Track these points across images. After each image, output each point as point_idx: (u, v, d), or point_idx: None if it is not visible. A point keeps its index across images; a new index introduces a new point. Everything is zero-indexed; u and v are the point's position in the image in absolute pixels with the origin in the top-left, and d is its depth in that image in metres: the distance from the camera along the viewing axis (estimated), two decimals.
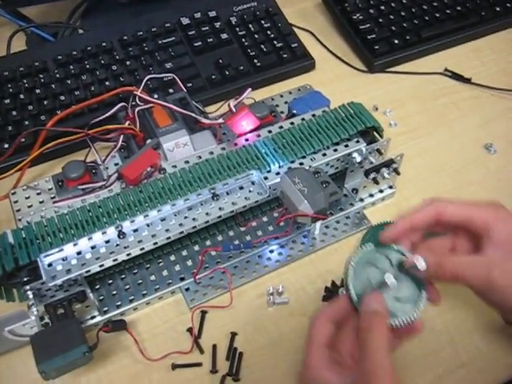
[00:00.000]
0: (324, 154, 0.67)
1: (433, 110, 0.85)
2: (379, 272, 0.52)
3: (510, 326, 0.58)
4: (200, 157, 0.67)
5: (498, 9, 0.95)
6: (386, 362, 0.45)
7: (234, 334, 0.62)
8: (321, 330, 0.51)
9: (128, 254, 0.59)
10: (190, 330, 0.62)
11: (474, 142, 0.80)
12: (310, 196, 0.60)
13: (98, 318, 0.62)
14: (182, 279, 0.65)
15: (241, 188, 0.63)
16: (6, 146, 0.76)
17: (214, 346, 0.61)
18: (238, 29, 0.89)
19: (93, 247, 0.59)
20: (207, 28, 0.88)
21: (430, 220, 0.53)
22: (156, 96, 0.80)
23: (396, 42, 0.89)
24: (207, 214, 0.61)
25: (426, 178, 0.76)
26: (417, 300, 0.51)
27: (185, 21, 0.89)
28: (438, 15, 0.92)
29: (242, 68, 0.84)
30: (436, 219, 0.53)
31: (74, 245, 0.59)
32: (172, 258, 0.67)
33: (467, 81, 0.88)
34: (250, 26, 0.89)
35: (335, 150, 0.67)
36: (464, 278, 0.50)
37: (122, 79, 0.82)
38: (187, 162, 0.67)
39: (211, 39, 0.87)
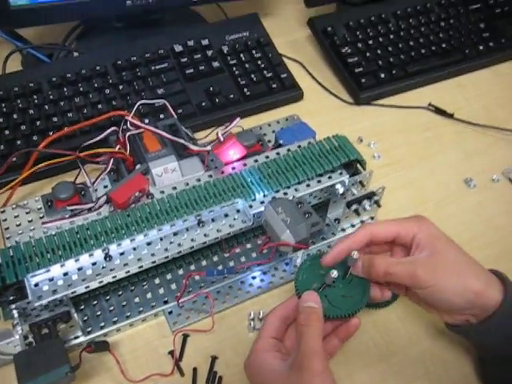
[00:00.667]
0: (308, 185, 0.69)
1: (416, 143, 0.87)
2: (327, 275, 0.59)
3: (451, 328, 0.60)
4: (187, 183, 0.69)
5: (481, 47, 0.98)
6: (318, 345, 0.53)
7: (214, 358, 0.63)
8: (270, 323, 0.58)
9: (114, 277, 0.61)
10: (171, 352, 0.64)
11: (455, 176, 0.83)
12: (293, 226, 0.61)
13: (82, 339, 0.64)
14: (166, 302, 0.67)
15: (226, 215, 0.65)
16: None
17: (195, 369, 0.63)
18: (229, 57, 0.91)
19: (79, 269, 0.60)
20: (199, 56, 0.90)
21: (365, 240, 0.59)
22: (147, 121, 0.82)
23: (382, 75, 0.92)
24: (192, 239, 0.63)
25: (406, 211, 0.77)
26: (360, 299, 0.58)
27: (178, 48, 0.91)
28: (423, 51, 0.96)
29: (231, 96, 0.87)
30: (370, 239, 0.59)
31: (61, 266, 0.60)
32: (156, 280, 0.69)
33: (450, 116, 0.91)
34: (242, 55, 0.92)
35: (319, 181, 0.69)
36: (394, 275, 0.56)
37: (114, 103, 0.84)
38: (175, 188, 0.68)
39: (203, 67, 0.89)
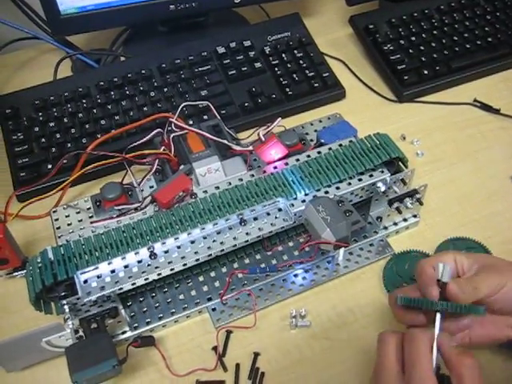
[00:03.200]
0: (349, 184, 0.69)
1: (460, 140, 0.86)
2: None
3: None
4: (230, 183, 0.70)
5: None
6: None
7: (256, 354, 0.65)
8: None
9: (158, 274, 0.63)
10: (215, 348, 0.65)
11: (501, 172, 0.82)
12: (333, 224, 0.62)
13: (129, 334, 0.66)
14: (210, 299, 0.68)
15: (268, 214, 0.66)
16: (50, 166, 0.81)
17: (237, 365, 0.64)
18: (271, 58, 0.92)
19: (126, 266, 0.63)
20: (242, 57, 0.92)
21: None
22: (191, 122, 0.84)
23: (426, 72, 0.91)
24: (235, 238, 0.64)
25: (450, 208, 0.78)
26: None
27: (220, 50, 0.93)
28: (468, 46, 0.94)
29: (274, 96, 0.88)
30: None
31: (109, 263, 0.62)
32: (200, 278, 0.70)
33: (496, 111, 0.89)
34: (283, 55, 0.92)
35: (360, 180, 0.69)
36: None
37: (159, 105, 0.86)
38: (217, 187, 0.70)
39: (245, 68, 0.91)
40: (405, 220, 0.75)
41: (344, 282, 0.71)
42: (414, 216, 0.75)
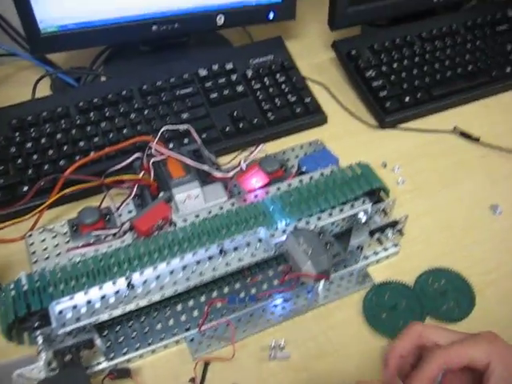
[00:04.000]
0: (330, 214, 0.69)
1: (441, 168, 0.87)
2: None
3: None
4: (210, 211, 0.69)
5: (507, 69, 0.97)
6: None
7: None
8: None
9: (136, 305, 0.61)
10: (192, 380, 0.64)
11: (480, 202, 0.82)
12: (314, 257, 0.61)
13: (105, 364, 0.64)
14: (187, 329, 0.67)
15: (248, 244, 0.65)
16: (26, 188, 0.79)
17: None
18: (253, 82, 0.92)
19: (103, 297, 0.61)
20: (223, 80, 0.91)
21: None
22: (171, 145, 0.83)
23: (407, 99, 0.92)
24: (214, 269, 0.63)
25: (430, 238, 0.78)
26: None
27: (202, 72, 0.92)
28: (448, 74, 0.95)
29: (255, 121, 0.87)
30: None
31: (85, 294, 0.61)
32: (178, 307, 0.69)
33: (476, 140, 0.90)
34: (265, 79, 0.92)
35: (341, 210, 0.69)
36: None
37: (139, 128, 0.85)
38: (197, 216, 0.69)
39: (227, 91, 0.90)
40: (385, 249, 0.75)
41: (323, 312, 0.70)
42: (395, 245, 0.75)
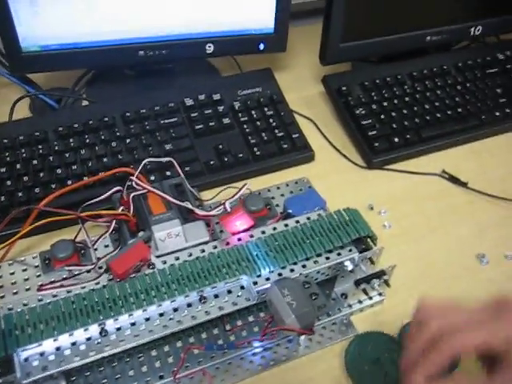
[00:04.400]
0: (316, 262, 0.66)
1: (428, 212, 0.85)
2: None
3: None
4: (191, 253, 0.66)
5: (497, 113, 0.96)
6: None
7: None
8: None
9: (109, 353, 0.58)
10: None
11: (467, 250, 0.80)
12: (298, 311, 0.59)
13: None
14: (161, 377, 0.64)
15: (229, 292, 0.62)
16: None
17: None
18: (240, 114, 0.89)
19: (73, 343, 0.58)
20: (210, 111, 0.89)
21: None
22: (153, 178, 0.80)
23: (396, 140, 0.90)
24: (193, 317, 0.60)
25: (416, 286, 0.75)
26: None
27: (188, 102, 0.89)
28: (438, 115, 0.94)
29: (241, 155, 0.85)
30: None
31: (54, 340, 0.57)
32: (153, 353, 0.66)
33: (463, 185, 0.88)
34: (253, 112, 0.90)
35: (327, 258, 0.66)
36: None
37: (120, 157, 0.82)
38: (177, 258, 0.66)
39: (213, 123, 0.87)
40: (370, 298, 0.72)
41: (304, 363, 0.67)
42: (380, 294, 0.73)
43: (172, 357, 0.65)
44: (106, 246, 0.72)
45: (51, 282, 0.66)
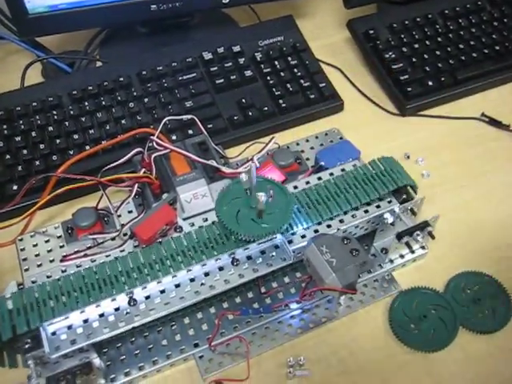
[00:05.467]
0: (353, 216, 0.62)
1: (468, 159, 0.79)
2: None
3: None
4: None
5: None
6: None
7: None
8: None
9: (139, 323, 0.55)
10: None
11: None
12: (339, 269, 0.54)
13: None
14: (196, 345, 0.60)
15: (263, 252, 0.58)
16: (15, 187, 0.72)
17: None
18: (262, 65, 0.84)
19: (101, 315, 0.54)
20: (230, 64, 0.84)
21: None
22: (174, 137, 0.76)
23: (430, 83, 0.84)
24: (226, 281, 0.56)
25: (460, 237, 0.71)
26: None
27: (207, 56, 0.84)
28: (475, 55, 0.87)
29: (266, 109, 0.79)
30: None
31: (81, 312, 0.54)
32: (186, 320, 0.62)
33: (506, 127, 0.82)
34: (276, 62, 0.84)
35: (366, 211, 0.62)
36: None
37: (138, 118, 0.78)
38: (206, 219, 0.62)
39: (234, 76, 0.82)
40: (412, 252, 0.68)
41: (346, 324, 0.64)
42: (422, 247, 0.68)
43: (206, 324, 0.62)
44: (130, 212, 0.68)
45: (75, 252, 0.63)
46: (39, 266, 0.64)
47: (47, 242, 0.66)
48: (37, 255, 0.65)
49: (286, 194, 0.60)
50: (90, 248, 0.63)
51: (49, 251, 0.65)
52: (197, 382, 0.59)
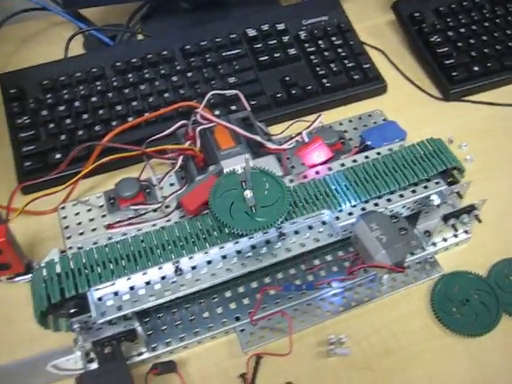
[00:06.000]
0: (401, 195, 0.61)
1: None
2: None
3: None
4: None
5: None
6: None
7: None
8: None
9: (184, 293, 0.55)
10: (243, 375, 0.57)
11: None
12: (389, 246, 0.54)
13: (146, 355, 0.58)
14: (238, 319, 0.60)
15: (310, 228, 0.58)
16: (58, 155, 0.72)
17: None
18: (306, 44, 0.83)
19: (147, 283, 0.54)
20: (274, 42, 0.83)
21: None
22: (217, 112, 0.75)
23: (476, 68, 0.82)
24: (273, 254, 0.56)
25: (503, 223, 0.70)
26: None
27: (251, 33, 0.83)
28: None
29: (309, 87, 0.79)
30: None
31: (128, 279, 0.54)
32: (228, 294, 0.62)
33: None
34: (320, 42, 0.83)
35: (413, 192, 0.61)
36: None
37: (181, 91, 0.77)
38: None
39: (278, 54, 0.81)
40: (455, 236, 0.67)
41: (388, 304, 0.63)
42: (466, 231, 0.67)
43: (247, 298, 0.62)
44: (172, 185, 0.68)
45: (117, 222, 0.63)
46: (81, 234, 0.64)
47: (89, 211, 0.66)
48: (78, 224, 0.65)
49: (282, 186, 0.59)
50: (131, 218, 0.63)
51: (91, 220, 0.65)
52: (237, 355, 0.59)
